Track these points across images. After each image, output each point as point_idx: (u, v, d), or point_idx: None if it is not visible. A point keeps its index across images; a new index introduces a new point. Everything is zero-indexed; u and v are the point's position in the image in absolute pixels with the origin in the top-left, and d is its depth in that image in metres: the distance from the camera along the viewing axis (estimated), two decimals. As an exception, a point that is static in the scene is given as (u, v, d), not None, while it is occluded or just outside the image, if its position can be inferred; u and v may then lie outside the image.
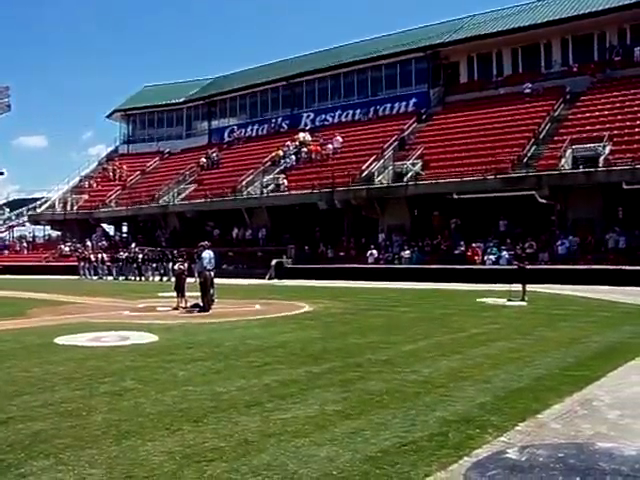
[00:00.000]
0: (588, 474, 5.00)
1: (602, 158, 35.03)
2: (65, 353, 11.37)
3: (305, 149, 51.76)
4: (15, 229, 70.09)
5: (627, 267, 30.26)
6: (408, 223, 42.92)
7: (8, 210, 72.86)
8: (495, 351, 11.43)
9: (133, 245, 51.95)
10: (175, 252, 38.27)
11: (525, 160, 38.85)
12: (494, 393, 7.98)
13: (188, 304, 20.38)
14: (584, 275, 30.16)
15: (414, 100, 53.02)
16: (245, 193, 49.60)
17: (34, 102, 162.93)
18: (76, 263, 51.90)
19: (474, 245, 37.21)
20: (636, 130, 36.70)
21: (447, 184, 38.26)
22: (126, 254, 49.26)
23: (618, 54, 45.06)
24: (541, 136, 41.54)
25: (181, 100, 69.65)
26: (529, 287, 23.00)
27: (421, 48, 52.52)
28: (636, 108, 39.06)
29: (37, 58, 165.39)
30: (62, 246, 59.86)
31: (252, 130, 63.35)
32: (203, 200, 51.16)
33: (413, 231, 41.97)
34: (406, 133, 48.92)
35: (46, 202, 66.11)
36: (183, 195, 55.10)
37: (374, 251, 40.77)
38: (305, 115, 59.58)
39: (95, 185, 66.49)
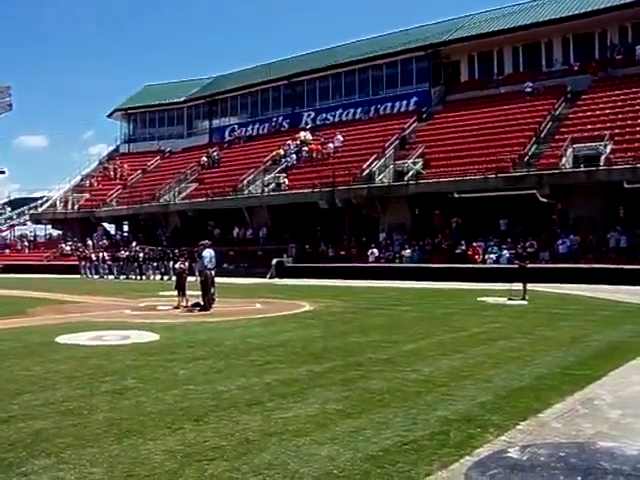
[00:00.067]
0: (589, 473, 5.00)
1: (603, 157, 35.02)
2: (66, 352, 11.37)
3: (306, 148, 51.76)
4: (16, 228, 70.12)
5: (628, 266, 30.24)
6: (409, 222, 42.91)
7: (9, 209, 72.87)
8: (496, 350, 11.43)
9: (134, 244, 51.95)
10: (176, 251, 38.39)
11: (526, 159, 38.84)
12: (495, 392, 7.98)
13: (189, 303, 20.37)
14: (585, 274, 30.14)
15: (415, 99, 53.02)
16: (246, 192, 49.59)
17: (35, 102, 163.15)
18: (77, 262, 51.91)
19: (475, 244, 37.21)
20: (637, 129, 36.65)
21: (448, 183, 38.25)
22: (127, 253, 49.31)
23: (619, 53, 45.03)
24: (542, 135, 41.53)
25: (182, 99, 69.63)
26: (530, 286, 22.97)
27: (422, 47, 52.49)
28: (637, 107, 39.02)
29: (38, 58, 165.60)
30: (63, 245, 59.88)
31: (253, 129, 63.36)
32: (204, 199, 51.17)
33: (414, 230, 41.95)
34: (407, 132, 48.91)
35: (47, 201, 66.17)
36: (184, 194, 55.09)
37: (375, 250, 40.77)
38: (306, 114, 59.57)
39: (96, 184, 66.49)
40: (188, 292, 20.81)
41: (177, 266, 23.01)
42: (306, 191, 44.73)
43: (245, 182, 50.73)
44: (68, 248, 58.76)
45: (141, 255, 47.35)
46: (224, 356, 10.85)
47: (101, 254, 51.21)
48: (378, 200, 42.71)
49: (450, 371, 9.38)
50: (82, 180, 68.51)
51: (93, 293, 29.14)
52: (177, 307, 20.35)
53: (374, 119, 53.53)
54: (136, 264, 47.16)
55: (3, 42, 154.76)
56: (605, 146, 35.61)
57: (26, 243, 65.67)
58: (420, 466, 5.24)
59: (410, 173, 41.44)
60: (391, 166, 43.49)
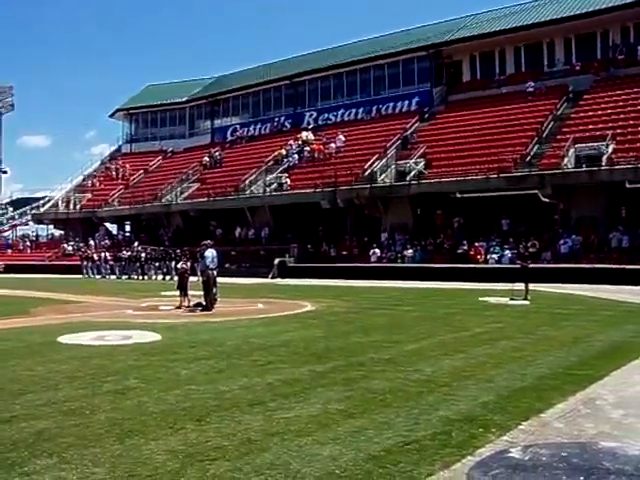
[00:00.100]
0: (591, 473, 5.00)
1: (605, 157, 35.02)
2: (68, 352, 11.37)
3: (308, 148, 51.78)
4: (18, 228, 70.25)
5: (630, 266, 30.22)
6: (411, 222, 42.91)
7: (11, 209, 72.98)
8: (498, 350, 11.42)
9: (136, 244, 51.97)
10: (178, 251, 38.36)
11: (528, 159, 38.84)
12: (497, 392, 7.98)
13: (191, 303, 20.38)
14: (587, 274, 30.13)
15: (417, 99, 53.06)
16: (248, 192, 49.61)
17: (37, 102, 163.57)
18: (79, 262, 51.97)
19: (477, 244, 37.22)
20: (639, 129, 36.64)
21: (450, 183, 38.27)
22: (129, 253, 49.31)
23: (621, 52, 45.01)
24: (544, 135, 41.52)
25: (184, 99, 69.66)
26: (532, 286, 22.96)
27: (424, 47, 52.50)
28: (639, 107, 38.99)
29: (39, 58, 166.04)
30: (65, 245, 59.94)
31: (255, 129, 63.38)
32: (206, 199, 51.19)
33: (416, 230, 41.95)
34: (409, 132, 48.86)
35: (49, 201, 66.26)
36: (186, 194, 55.12)
37: (377, 250, 40.78)
38: (308, 114, 59.59)
39: (98, 184, 66.55)
40: (190, 292, 20.82)
41: (179, 266, 23.01)
42: (308, 191, 44.76)
43: (247, 182, 50.75)
44: (70, 248, 58.81)
45: (143, 255, 47.36)
46: (226, 356, 10.85)
47: (103, 254, 51.27)
48: (380, 200, 42.71)
49: (452, 371, 9.38)
50: (84, 180, 68.57)
51: (95, 293, 29.15)
52: (179, 307, 20.36)
53: (376, 119, 53.56)
54: (138, 264, 47.17)
55: (4, 42, 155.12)
56: (607, 146, 35.60)
57: (28, 243, 65.72)
58: (422, 466, 5.24)
59: (412, 173, 41.45)
60: (393, 166, 43.50)
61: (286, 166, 51.58)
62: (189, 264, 22.28)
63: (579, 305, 20.92)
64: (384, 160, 45.24)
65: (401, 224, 42.86)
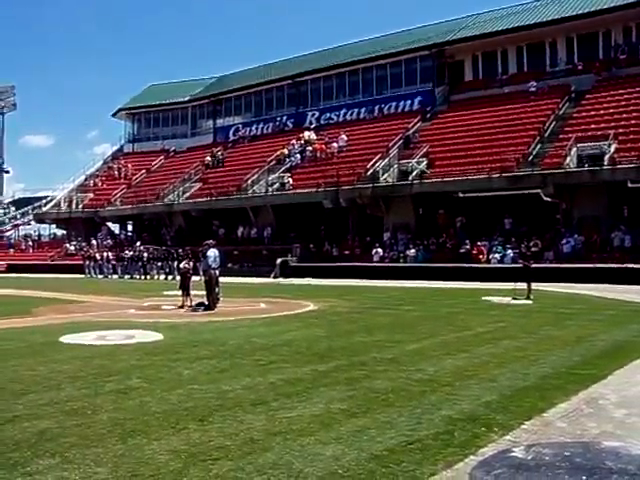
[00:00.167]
0: (594, 473, 4.99)
1: (607, 156, 35.01)
2: (70, 352, 11.38)
3: (310, 148, 51.78)
4: (20, 228, 70.32)
5: (632, 265, 30.19)
6: (413, 221, 42.90)
7: (13, 209, 73.09)
8: (501, 350, 11.41)
9: (138, 244, 51.99)
10: (180, 251, 38.34)
11: (530, 158, 38.82)
12: (500, 392, 7.97)
13: (193, 303, 20.38)
14: (589, 274, 30.11)
15: (419, 99, 53.05)
16: (250, 192, 49.59)
17: (40, 102, 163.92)
18: (81, 262, 52.03)
19: (479, 243, 37.21)
20: (641, 129, 36.69)
21: (452, 182, 38.26)
22: (131, 253, 49.32)
23: (623, 52, 44.97)
24: (546, 134, 41.50)
25: (186, 99, 69.69)
26: (534, 286, 22.96)
27: (426, 47, 52.49)
28: (641, 106, 39.05)
29: (41, 58, 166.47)
30: (67, 245, 59.99)
31: (257, 129, 63.39)
32: (208, 199, 51.19)
33: (418, 229, 41.94)
34: (411, 131, 48.88)
35: (51, 201, 66.23)
36: (188, 194, 55.16)
37: (379, 249, 40.78)
38: (310, 114, 59.58)
39: (100, 184, 66.54)
40: (192, 292, 20.83)
41: (181, 266, 22.99)
42: (310, 191, 44.75)
43: (249, 182, 50.73)
44: (72, 248, 58.88)
45: (145, 255, 47.39)
46: (228, 356, 10.85)
47: (105, 254, 51.31)
48: (382, 200, 42.70)
49: (455, 370, 9.37)
50: (86, 180, 68.58)
51: (97, 293, 29.16)
52: (181, 307, 20.37)
53: (378, 119, 53.58)
54: (140, 264, 47.19)
55: (6, 42, 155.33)
56: (609, 145, 35.59)
57: (30, 243, 65.78)
58: (425, 466, 5.24)
59: (414, 173, 41.42)
60: (395, 166, 43.49)
61: (288, 166, 51.58)
62: (191, 264, 22.25)
63: (582, 304, 20.91)
64: (386, 160, 45.23)
65: (403, 224, 42.85)
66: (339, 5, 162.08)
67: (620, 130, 36.80)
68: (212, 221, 51.87)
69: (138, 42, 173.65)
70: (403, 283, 32.67)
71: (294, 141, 54.27)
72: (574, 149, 36.56)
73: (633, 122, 37.57)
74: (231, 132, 65.06)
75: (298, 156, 51.87)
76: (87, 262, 51.03)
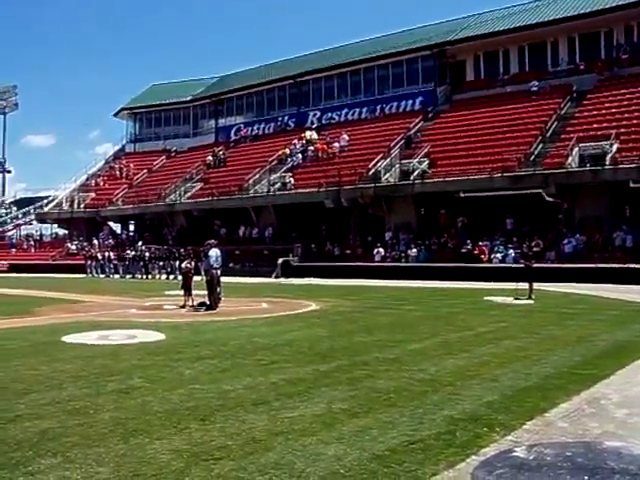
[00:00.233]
0: (596, 473, 4.99)
1: (609, 156, 34.98)
2: (72, 351, 11.39)
3: (312, 147, 51.79)
4: (22, 227, 70.37)
5: (634, 265, 30.17)
6: (415, 221, 42.90)
7: (15, 208, 73.12)
8: (502, 350, 11.41)
9: (140, 243, 52.05)
10: (182, 250, 38.33)
11: (532, 158, 38.77)
12: (502, 392, 7.97)
13: (195, 302, 20.39)
14: (591, 274, 30.10)
15: (421, 98, 53.03)
16: (252, 192, 49.58)
17: (41, 102, 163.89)
18: (83, 261, 52.07)
19: (481, 243, 37.21)
20: (643, 128, 36.68)
21: (454, 182, 38.24)
22: (133, 252, 49.35)
23: (625, 52, 44.95)
24: (548, 134, 41.46)
25: (188, 99, 69.66)
26: (536, 286, 22.98)
27: (428, 46, 52.43)
28: (643, 106, 39.03)
29: (42, 58, 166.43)
30: (69, 244, 60.03)
31: (259, 128, 63.37)
32: (210, 199, 51.18)
33: (420, 229, 41.95)
34: (413, 131, 48.90)
35: (53, 200, 66.26)
36: (190, 193, 55.17)
37: (381, 249, 40.79)
38: (312, 113, 59.56)
39: (102, 183, 66.52)
40: (194, 291, 20.83)
41: (183, 265, 22.99)
42: (312, 190, 44.74)
43: (251, 181, 50.74)
44: (74, 247, 58.91)
45: (147, 254, 47.43)
46: (230, 355, 10.85)
47: (107, 253, 51.34)
48: (384, 199, 42.69)
49: (456, 370, 9.37)
50: (88, 179, 68.59)
51: (99, 292, 29.17)
52: (183, 306, 20.37)
53: (380, 118, 53.56)
54: (142, 263, 47.24)
55: (7, 43, 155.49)
56: (611, 145, 35.57)
57: (32, 242, 65.81)
58: (427, 466, 5.24)
59: (416, 172, 41.41)
60: (397, 165, 43.47)
61: (290, 165, 51.59)
62: (193, 263, 22.26)
63: (583, 304, 20.91)
64: (388, 159, 45.24)
65: (405, 223, 42.86)
66: (340, 5, 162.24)
67: (622, 130, 36.77)
68: (214, 221, 51.89)
69: (139, 42, 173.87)
70: (405, 283, 32.67)
71: (296, 141, 54.27)
72: (576, 149, 36.54)
73: (635, 122, 37.54)
74: (233, 132, 65.03)
75: (300, 156, 51.87)
76: (89, 262, 51.08)
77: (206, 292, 20.06)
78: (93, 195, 64.15)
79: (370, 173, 44.40)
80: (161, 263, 45.61)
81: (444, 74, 52.75)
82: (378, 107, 54.99)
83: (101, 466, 5.26)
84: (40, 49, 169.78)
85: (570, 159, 36.05)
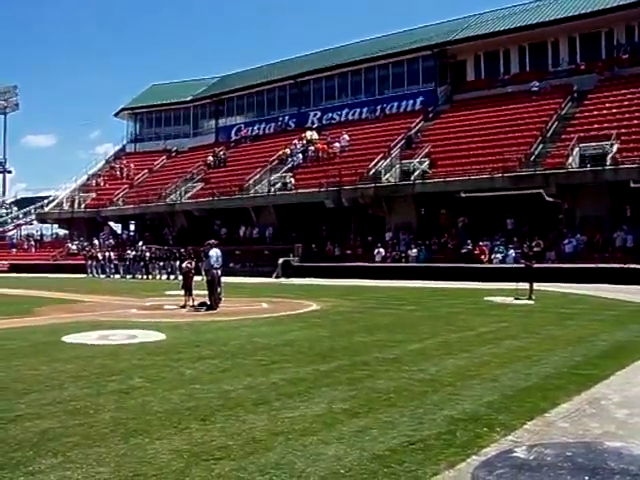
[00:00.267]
0: (596, 473, 4.99)
1: (609, 156, 35.00)
2: (73, 351, 11.38)
3: (312, 147, 51.80)
4: (22, 227, 70.40)
5: (634, 265, 30.16)
6: (415, 221, 42.92)
7: (16, 208, 73.16)
8: (503, 350, 11.41)
9: (140, 243, 52.07)
10: (182, 250, 38.32)
11: (532, 158, 38.77)
12: (502, 392, 7.97)
13: (195, 302, 20.39)
14: (591, 274, 30.09)
15: (421, 98, 53.04)
16: (252, 192, 49.62)
17: (42, 102, 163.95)
18: (83, 261, 52.09)
19: (481, 243, 37.21)
20: (644, 128, 36.68)
21: (454, 182, 38.24)
22: (133, 252, 49.35)
23: (626, 52, 44.96)
24: (548, 134, 41.47)
25: (188, 99, 69.70)
26: (536, 286, 22.97)
27: (428, 46, 52.46)
28: (644, 106, 39.03)
29: (42, 58, 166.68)
30: (69, 244, 60.04)
31: (259, 128, 63.38)
32: (210, 199, 51.19)
33: (420, 229, 41.95)
34: (413, 131, 48.92)
35: (53, 200, 66.35)
36: (190, 194, 55.19)
37: (381, 249, 40.79)
38: (312, 113, 59.57)
39: (102, 183, 66.57)
40: (194, 291, 20.83)
41: (184, 265, 23.00)
42: (312, 190, 44.76)
43: (251, 182, 50.79)
44: (74, 247, 58.95)
45: (147, 254, 47.43)
46: (230, 355, 10.85)
47: (107, 253, 51.35)
48: (384, 200, 42.70)
49: (456, 370, 9.37)
50: (88, 179, 68.64)
51: (99, 292, 29.17)
52: (183, 306, 20.37)
53: (380, 118, 53.57)
54: (142, 263, 47.24)
55: (8, 43, 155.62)
56: (611, 145, 35.58)
57: (32, 242, 65.83)
58: (427, 466, 5.24)
59: (416, 172, 41.44)
60: (397, 165, 43.47)
61: (290, 165, 51.62)
62: (193, 263, 22.26)
63: (583, 305, 20.91)
64: (388, 160, 45.27)
65: (405, 224, 42.86)
66: (341, 5, 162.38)
67: (622, 130, 36.79)
68: (214, 221, 51.93)
69: (139, 42, 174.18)
70: (405, 283, 32.68)
71: (296, 141, 54.29)
72: (576, 149, 36.56)
73: (635, 122, 37.56)
74: (233, 132, 65.04)
75: (300, 156, 51.88)
76: (89, 262, 51.10)
77: (206, 292, 20.06)
78: (94, 195, 64.20)
79: (370, 173, 44.43)
80: (161, 263, 45.58)
81: (445, 74, 52.78)
82: (379, 107, 55.00)
83: (101, 466, 5.26)
84: (40, 49, 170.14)
85: (571, 159, 36.06)
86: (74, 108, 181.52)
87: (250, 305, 21.86)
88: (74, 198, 63.46)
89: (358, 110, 56.50)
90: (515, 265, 30.59)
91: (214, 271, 19.83)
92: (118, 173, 67.12)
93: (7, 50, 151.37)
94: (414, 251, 39.68)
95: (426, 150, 43.69)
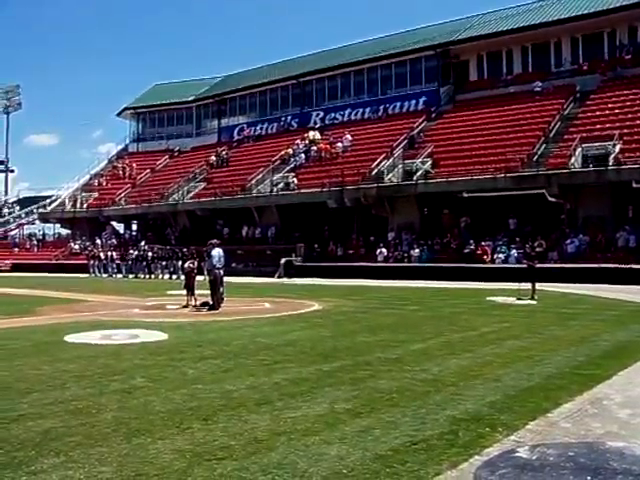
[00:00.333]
0: (599, 473, 4.99)
1: (612, 157, 34.96)
2: (75, 351, 11.39)
3: (315, 147, 51.78)
4: (25, 227, 70.38)
5: (637, 266, 30.13)
6: (417, 221, 42.91)
7: (18, 208, 73.16)
8: (505, 350, 11.40)
9: (143, 243, 52.11)
10: (185, 250, 38.37)
11: (535, 159, 38.76)
12: (504, 392, 7.96)
13: (198, 302, 20.40)
14: (594, 274, 30.08)
15: (424, 98, 53.02)
16: (255, 191, 49.63)
17: (44, 101, 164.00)
18: (86, 261, 52.10)
19: (483, 244, 37.19)
20: (646, 129, 36.66)
21: (457, 182, 38.23)
22: (136, 252, 49.38)
23: (628, 52, 44.92)
24: (551, 135, 41.45)
25: (191, 98, 69.72)
26: (538, 286, 22.94)
27: (431, 46, 52.47)
28: (646, 107, 39.01)
29: (43, 58, 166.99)
30: (72, 244, 60.08)
31: (262, 128, 63.39)
32: (212, 198, 51.21)
33: (423, 229, 41.95)
34: (416, 131, 48.90)
35: (56, 200, 66.41)
36: (192, 193, 55.16)
37: (383, 249, 40.78)
38: (315, 113, 59.58)
39: (105, 183, 66.62)
40: (197, 291, 20.84)
41: (186, 265, 23.02)
42: (315, 190, 44.76)
43: (254, 181, 50.80)
44: (77, 247, 59.01)
45: (150, 254, 47.47)
46: (233, 355, 10.84)
47: (110, 253, 51.36)
48: (387, 200, 42.70)
49: (459, 371, 9.37)
50: (91, 179, 68.73)
51: (102, 292, 29.16)
52: (186, 306, 20.37)
53: (383, 118, 53.55)
54: (145, 263, 47.29)
55: (9, 43, 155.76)
56: (614, 146, 35.54)
57: (35, 242, 65.86)
58: (429, 466, 5.24)
59: (419, 172, 41.41)
60: (400, 165, 43.43)
61: (293, 165, 51.63)
62: (196, 263, 22.28)
63: (586, 305, 20.90)
64: (391, 160, 45.25)
65: (408, 224, 42.85)
66: (343, 5, 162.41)
67: (625, 130, 36.77)
68: (216, 221, 51.94)
69: (140, 42, 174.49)
70: (407, 283, 32.67)
71: (299, 141, 54.30)
72: (579, 149, 36.51)
73: (638, 122, 37.52)
74: (236, 132, 65.06)
75: (303, 156, 51.90)
76: (91, 261, 51.13)
77: (209, 292, 20.07)
78: (96, 195, 64.21)
79: (373, 173, 44.43)
80: (164, 263, 45.63)
81: (447, 74, 52.80)
82: (381, 107, 54.99)
83: (104, 466, 5.26)
84: (42, 49, 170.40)
85: (573, 159, 36.03)
86: (76, 108, 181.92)
87: (252, 305, 21.84)
88: (76, 198, 63.49)
89: (361, 110, 56.51)
90: (517, 265, 30.54)
91: (216, 271, 19.82)
92: (120, 173, 67.15)
93: (9, 50, 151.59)
94: (416, 251, 39.66)
95: (429, 150, 43.65)
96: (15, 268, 56.01)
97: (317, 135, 53.68)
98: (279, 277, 41.32)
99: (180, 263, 38.22)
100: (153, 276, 45.56)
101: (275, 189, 48.48)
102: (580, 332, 13.79)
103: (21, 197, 77.10)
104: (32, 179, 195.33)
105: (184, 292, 21.18)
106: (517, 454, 5.51)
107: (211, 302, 19.76)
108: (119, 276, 48.10)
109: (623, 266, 30.55)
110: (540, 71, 48.10)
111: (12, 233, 69.96)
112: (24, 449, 5.69)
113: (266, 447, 5.73)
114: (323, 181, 44.80)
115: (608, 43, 46.23)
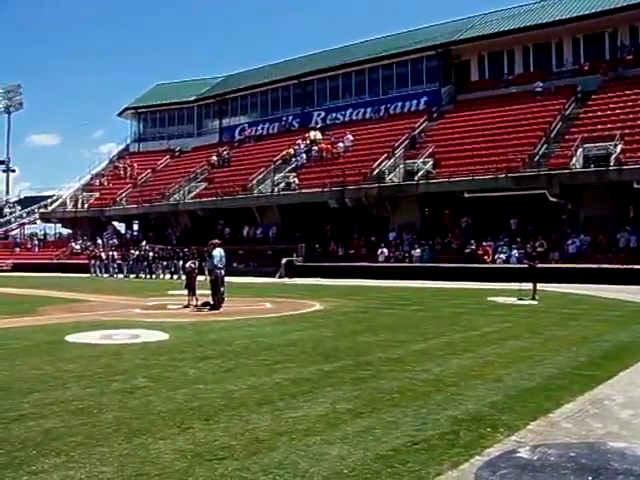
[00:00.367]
0: (600, 474, 4.98)
1: (613, 157, 34.98)
2: (76, 351, 11.38)
3: (316, 147, 51.81)
4: (26, 227, 70.39)
5: (638, 266, 30.11)
6: (419, 221, 42.92)
7: (19, 208, 73.16)
8: (506, 350, 11.39)
9: (144, 243, 52.13)
10: (186, 250, 38.38)
11: (536, 159, 38.74)
12: (505, 392, 7.95)
13: (199, 302, 20.39)
14: (595, 274, 30.08)
15: (425, 98, 53.07)
16: (256, 191, 49.66)
17: (45, 101, 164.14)
18: (87, 261, 52.13)
19: (485, 244, 37.19)
20: (647, 129, 36.65)
21: (458, 183, 38.23)
22: (137, 252, 49.39)
23: (630, 53, 44.93)
24: (552, 135, 41.45)
25: (192, 98, 69.77)
26: (539, 286, 22.91)
27: (432, 47, 52.52)
28: (647, 107, 39.00)
29: (44, 58, 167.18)
30: (73, 244, 60.12)
31: (263, 128, 63.43)
32: (214, 198, 51.22)
33: (424, 230, 41.95)
34: (417, 131, 48.92)
35: (57, 200, 66.47)
36: (194, 193, 55.18)
37: (384, 249, 40.78)
38: (316, 113, 59.62)
39: (106, 183, 66.69)
40: (198, 291, 20.83)
41: (187, 265, 23.01)
42: (316, 190, 44.78)
43: (255, 181, 50.83)
44: (78, 247, 59.06)
45: (151, 254, 47.48)
46: (234, 355, 10.84)
47: (111, 253, 51.38)
48: (388, 200, 42.71)
49: (460, 371, 9.36)
50: (92, 179, 68.82)
51: (103, 292, 29.15)
52: (187, 306, 20.36)
53: (384, 119, 53.59)
54: (146, 263, 47.30)
55: (10, 43, 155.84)
56: (615, 146, 35.55)
57: (36, 242, 65.91)
58: (430, 466, 5.23)
59: (420, 173, 41.42)
60: (401, 166, 43.45)
61: (294, 165, 51.66)
62: (197, 263, 22.28)
63: (587, 305, 20.88)
64: (392, 160, 45.26)
65: (409, 224, 42.86)
66: (345, 5, 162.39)
67: (626, 131, 36.80)
68: (217, 221, 51.97)
69: (140, 42, 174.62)
70: (408, 283, 32.67)
71: (300, 141, 54.32)
72: (580, 149, 36.52)
73: (639, 123, 37.49)
74: (237, 132, 65.12)
75: (304, 156, 51.93)
76: (93, 261, 51.16)
77: (210, 292, 20.06)
78: (97, 195, 64.27)
79: (374, 173, 44.44)
80: (165, 263, 45.65)
81: (449, 74, 52.85)
82: (382, 107, 55.02)
83: (105, 466, 5.25)
84: (42, 49, 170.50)
85: (574, 160, 36.04)
86: (77, 108, 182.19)
87: (253, 305, 21.84)
88: (78, 197, 63.56)
89: (362, 110, 56.55)
90: (518, 265, 30.53)
91: (217, 271, 19.81)
92: (122, 173, 67.22)
93: (10, 50, 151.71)
94: (418, 251, 39.66)
95: (430, 150, 43.66)
96: (16, 268, 56.04)
97: (318, 135, 53.72)
98: (280, 277, 41.32)
99: (181, 263, 38.22)
100: (154, 276, 45.56)
101: (276, 189, 48.50)
102: (581, 332, 13.79)
103: (22, 197, 77.13)
104: (33, 179, 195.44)
105: (185, 292, 21.17)
106: (518, 454, 5.50)
107: (212, 302, 19.75)
108: (120, 276, 48.10)
109: (624, 266, 30.55)
110: (541, 71, 48.14)
111: (13, 233, 70.03)
112: (25, 449, 5.69)
113: (267, 447, 5.73)
114: (324, 181, 44.82)
115: (609, 43, 46.27)
